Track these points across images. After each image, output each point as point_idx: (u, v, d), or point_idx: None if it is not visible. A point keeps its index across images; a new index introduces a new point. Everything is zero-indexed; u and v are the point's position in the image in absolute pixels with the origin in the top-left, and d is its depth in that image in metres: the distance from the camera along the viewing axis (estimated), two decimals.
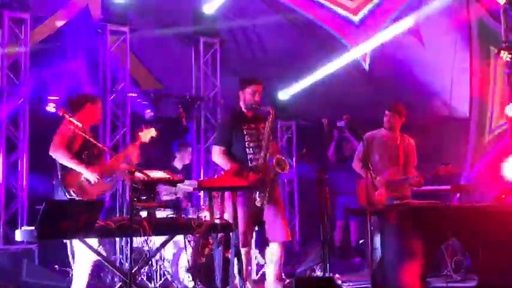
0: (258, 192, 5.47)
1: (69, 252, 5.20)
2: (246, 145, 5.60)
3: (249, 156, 5.58)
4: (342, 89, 10.00)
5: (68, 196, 5.04)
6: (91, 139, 5.19)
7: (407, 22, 8.83)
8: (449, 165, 6.36)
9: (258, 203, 5.50)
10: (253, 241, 6.30)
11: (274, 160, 5.46)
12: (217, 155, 5.69)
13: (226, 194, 5.50)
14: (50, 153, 5.19)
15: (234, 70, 9.73)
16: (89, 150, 5.25)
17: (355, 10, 9.04)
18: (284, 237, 5.64)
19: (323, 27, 9.42)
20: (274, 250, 5.67)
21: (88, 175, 5.13)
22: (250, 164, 5.55)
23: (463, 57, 9.23)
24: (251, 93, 5.67)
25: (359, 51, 9.32)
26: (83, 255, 5.04)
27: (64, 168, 5.15)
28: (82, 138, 5.19)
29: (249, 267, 5.89)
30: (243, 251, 5.48)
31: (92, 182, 5.14)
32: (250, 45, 9.57)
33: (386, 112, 6.63)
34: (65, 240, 5.11)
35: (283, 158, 5.55)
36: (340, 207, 8.73)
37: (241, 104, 5.76)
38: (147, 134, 5.47)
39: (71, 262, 5.27)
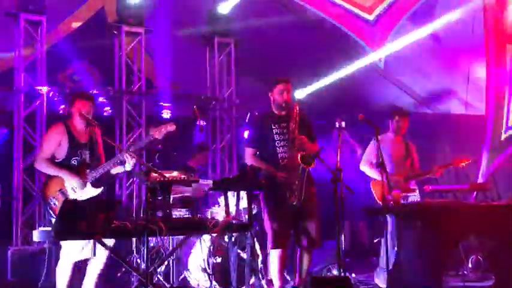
0: (288, 191, 5.42)
1: None
2: (276, 144, 5.56)
3: (280, 155, 5.54)
4: (358, 88, 9.99)
5: (48, 208, 5.03)
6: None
7: (428, 29, 8.79)
8: (466, 157, 6.49)
9: (291, 203, 5.41)
10: None
11: (299, 156, 5.40)
12: (250, 157, 5.67)
13: (261, 194, 5.52)
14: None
15: (249, 70, 9.73)
16: (80, 155, 5.21)
17: (369, 9, 9.00)
18: (306, 243, 5.53)
19: (337, 25, 9.40)
20: (298, 255, 5.60)
21: (68, 179, 5.10)
22: (281, 162, 5.51)
23: (479, 54, 9.17)
24: (279, 93, 5.63)
25: (378, 55, 9.29)
26: (66, 255, 5.04)
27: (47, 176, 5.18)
28: (68, 142, 5.18)
29: (284, 274, 5.74)
30: (276, 252, 5.44)
31: (76, 187, 5.10)
32: (264, 44, 9.56)
33: (397, 117, 6.76)
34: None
35: (308, 153, 5.42)
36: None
37: (272, 105, 5.73)
38: (162, 130, 5.24)
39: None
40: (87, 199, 5.08)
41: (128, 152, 5.11)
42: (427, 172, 6.68)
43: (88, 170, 5.17)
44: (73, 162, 5.18)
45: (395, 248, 5.78)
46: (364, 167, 6.71)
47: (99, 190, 5.21)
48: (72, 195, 5.07)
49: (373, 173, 6.58)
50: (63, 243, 4.97)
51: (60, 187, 5.09)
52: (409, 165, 6.72)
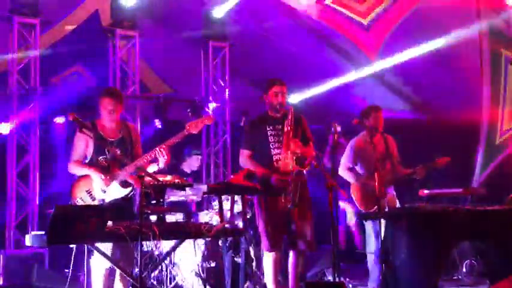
0: (283, 194, 5.40)
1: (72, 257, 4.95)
2: (271, 146, 5.54)
3: (274, 157, 5.52)
4: (353, 93, 10.00)
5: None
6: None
7: (434, 45, 8.78)
8: (446, 157, 6.36)
9: (285, 205, 5.39)
10: None
11: (294, 158, 5.38)
12: (245, 159, 5.66)
13: (255, 198, 5.49)
14: None
15: (243, 74, 9.74)
16: (104, 154, 5.03)
17: (364, 13, 9.00)
18: (302, 246, 5.51)
19: (332, 29, 9.40)
20: (290, 259, 5.57)
21: (95, 177, 4.97)
22: (276, 165, 5.49)
23: (473, 58, 9.18)
24: (274, 94, 5.63)
25: (381, 65, 9.28)
26: (97, 262, 4.93)
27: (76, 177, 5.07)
28: (94, 141, 5.03)
29: (278, 277, 5.65)
30: (270, 255, 5.44)
31: (101, 186, 4.99)
32: (259, 49, 9.57)
33: (374, 113, 6.50)
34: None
35: (302, 155, 5.39)
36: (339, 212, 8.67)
37: (267, 107, 5.72)
38: (199, 123, 5.02)
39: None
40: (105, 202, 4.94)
41: (159, 148, 4.94)
42: (411, 173, 6.44)
43: (118, 169, 4.99)
44: (101, 160, 5.03)
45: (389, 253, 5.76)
46: (342, 172, 6.59)
47: (127, 190, 5.02)
48: (99, 196, 4.96)
49: (349, 178, 6.52)
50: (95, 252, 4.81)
51: (88, 188, 4.99)
52: (390, 166, 6.45)
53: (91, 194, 5.00)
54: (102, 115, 5.15)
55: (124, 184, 5.03)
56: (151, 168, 5.09)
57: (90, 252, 4.86)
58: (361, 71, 9.40)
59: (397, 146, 6.64)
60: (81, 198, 4.98)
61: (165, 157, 4.96)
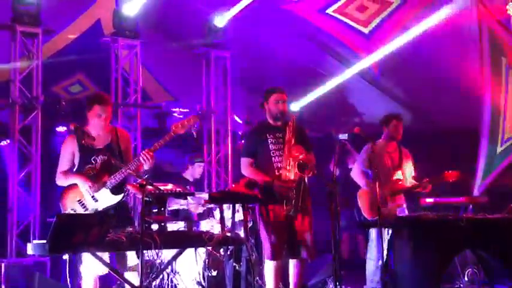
0: (285, 201, 5.39)
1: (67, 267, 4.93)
2: (272, 154, 5.54)
3: (275, 165, 5.52)
4: (353, 99, 10.02)
5: None
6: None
7: (416, 30, 8.80)
8: (456, 170, 6.37)
9: (287, 213, 5.39)
10: None
11: (296, 164, 5.37)
12: (246, 168, 5.66)
13: (256, 207, 5.51)
14: None
15: (245, 83, 9.77)
16: (95, 162, 5.00)
17: (365, 22, 9.03)
18: (304, 254, 5.51)
19: (333, 38, 9.43)
20: (291, 267, 5.56)
21: (81, 185, 4.94)
22: (277, 173, 5.49)
23: (473, 66, 9.20)
24: (274, 102, 5.64)
25: (369, 61, 9.31)
26: (87, 270, 4.93)
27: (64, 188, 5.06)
28: (79, 148, 5.02)
29: (279, 285, 5.66)
30: (271, 263, 5.43)
31: (91, 194, 4.96)
32: (260, 57, 9.60)
33: (395, 122, 6.59)
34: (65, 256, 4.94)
35: (304, 161, 5.38)
36: (344, 219, 8.68)
37: (267, 116, 5.72)
38: (185, 123, 4.95)
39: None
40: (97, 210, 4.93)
41: (143, 152, 4.91)
42: (417, 186, 6.51)
43: (107, 177, 4.96)
44: (87, 169, 5.01)
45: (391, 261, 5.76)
46: (354, 175, 6.63)
47: (119, 197, 4.99)
48: (91, 205, 4.94)
49: (360, 181, 6.52)
50: (83, 258, 4.83)
51: (79, 197, 4.97)
52: (404, 174, 6.53)
53: (83, 204, 4.97)
54: (90, 123, 5.11)
55: (115, 191, 4.99)
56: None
57: (79, 260, 4.86)
58: (355, 69, 9.41)
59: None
60: (73, 209, 4.95)
61: (150, 161, 4.90)
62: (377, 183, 5.51)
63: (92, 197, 4.97)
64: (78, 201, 4.98)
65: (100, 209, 4.94)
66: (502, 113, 9.10)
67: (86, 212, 4.90)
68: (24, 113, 7.62)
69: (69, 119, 7.72)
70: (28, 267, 7.02)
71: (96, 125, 5.09)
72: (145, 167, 4.96)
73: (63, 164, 5.11)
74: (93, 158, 5.03)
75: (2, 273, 6.91)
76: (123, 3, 8.30)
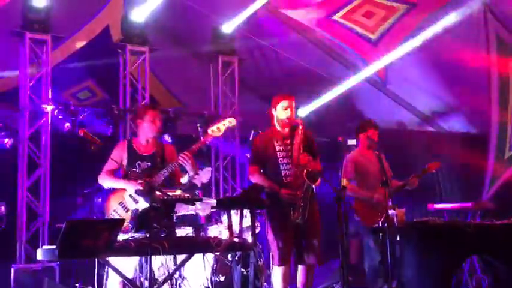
0: (292, 208, 5.40)
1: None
2: (279, 161, 5.52)
3: (283, 173, 5.51)
4: (360, 105, 10.02)
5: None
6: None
7: (422, 37, 8.80)
8: (437, 162, 6.41)
9: (294, 220, 5.39)
10: None
11: (304, 173, 5.36)
12: (253, 175, 5.64)
13: (264, 213, 5.54)
14: None
15: (252, 88, 9.79)
16: (136, 166, 5.22)
17: (372, 28, 9.05)
18: (312, 260, 5.50)
19: (340, 44, 9.46)
20: (299, 273, 5.55)
21: (129, 188, 5.11)
22: (285, 180, 5.49)
23: (481, 71, 9.19)
24: (282, 109, 5.59)
25: (375, 67, 9.33)
26: (113, 275, 4.95)
27: (108, 191, 5.23)
28: (128, 155, 5.25)
29: None
30: (279, 269, 5.42)
31: (127, 196, 5.10)
32: (268, 63, 9.63)
33: (371, 131, 6.47)
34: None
35: (313, 170, 5.37)
36: (351, 225, 8.65)
37: (275, 122, 5.69)
38: (222, 125, 5.10)
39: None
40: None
41: (181, 155, 5.11)
42: (404, 185, 6.41)
43: (148, 179, 5.08)
44: (132, 172, 5.18)
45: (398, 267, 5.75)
46: (350, 191, 6.49)
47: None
48: (132, 206, 5.08)
49: (359, 193, 6.39)
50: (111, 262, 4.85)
51: (121, 200, 5.14)
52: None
53: (124, 206, 5.15)
54: (140, 131, 5.41)
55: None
56: (184, 179, 5.30)
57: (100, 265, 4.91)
58: (362, 75, 9.44)
59: (390, 161, 6.59)
60: (115, 210, 5.14)
61: (190, 161, 5.12)
62: (385, 189, 5.50)
63: (133, 199, 5.13)
64: (120, 203, 5.16)
65: (140, 209, 5.02)
66: (509, 118, 9.11)
67: (127, 214, 5.05)
68: (33, 119, 7.67)
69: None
70: (37, 273, 7.04)
71: (150, 130, 5.37)
72: (190, 171, 5.19)
73: (109, 164, 5.34)
74: (138, 162, 5.27)
75: (12, 279, 6.94)
76: (131, 10, 8.35)
